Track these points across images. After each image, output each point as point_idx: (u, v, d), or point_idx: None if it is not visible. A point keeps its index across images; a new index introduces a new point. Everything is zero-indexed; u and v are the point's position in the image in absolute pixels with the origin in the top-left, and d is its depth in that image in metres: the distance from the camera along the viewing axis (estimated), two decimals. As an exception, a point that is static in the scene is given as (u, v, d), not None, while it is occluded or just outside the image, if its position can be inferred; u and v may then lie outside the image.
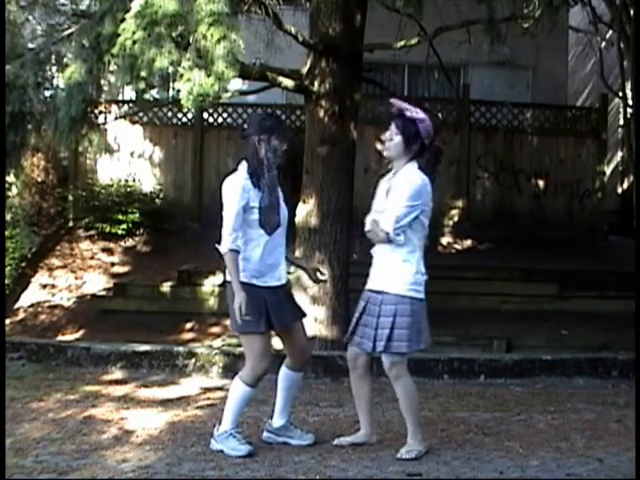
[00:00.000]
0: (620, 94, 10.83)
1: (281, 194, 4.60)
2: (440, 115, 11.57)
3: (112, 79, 6.46)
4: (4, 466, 4.00)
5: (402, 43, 8.52)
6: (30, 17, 7.00)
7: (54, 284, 10.19)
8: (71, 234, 11.11)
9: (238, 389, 4.49)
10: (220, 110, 11.65)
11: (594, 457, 4.47)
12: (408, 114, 4.53)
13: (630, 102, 9.54)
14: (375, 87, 10.28)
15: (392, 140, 4.54)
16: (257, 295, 4.41)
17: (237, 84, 9.65)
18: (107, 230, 10.83)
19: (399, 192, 4.45)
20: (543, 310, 9.43)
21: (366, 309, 4.54)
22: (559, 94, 13.29)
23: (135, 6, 5.37)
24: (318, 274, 4.95)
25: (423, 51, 9.51)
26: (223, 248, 4.43)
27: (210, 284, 9.36)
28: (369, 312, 4.52)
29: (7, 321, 9.05)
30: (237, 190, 4.43)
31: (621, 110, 12.55)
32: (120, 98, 11.43)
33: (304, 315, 4.73)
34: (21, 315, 9.64)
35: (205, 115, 11.67)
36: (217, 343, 8.40)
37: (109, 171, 11.48)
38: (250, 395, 4.54)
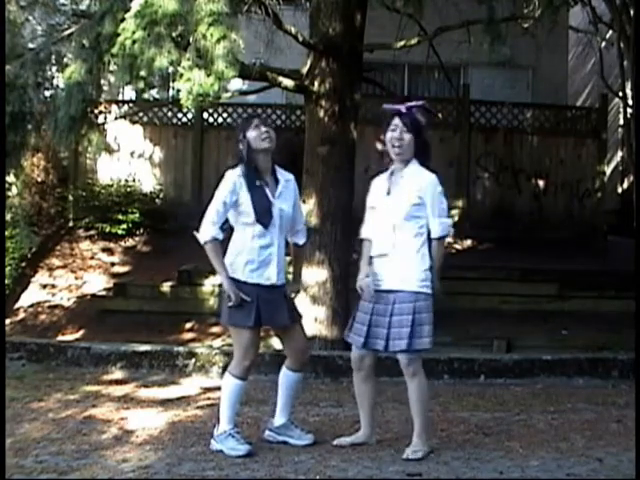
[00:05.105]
0: (620, 94, 10.83)
1: (269, 192, 4.57)
2: (440, 115, 11.57)
3: (112, 79, 6.46)
4: (4, 466, 4.00)
5: (402, 43, 8.52)
6: (30, 17, 6.99)
7: (54, 284, 10.18)
8: (71, 234, 11.10)
9: (229, 384, 4.53)
10: (220, 110, 11.64)
11: (594, 457, 4.47)
12: (405, 110, 4.45)
13: (630, 102, 9.54)
14: (375, 87, 10.28)
15: (402, 140, 4.40)
16: (247, 290, 4.43)
17: (237, 84, 9.66)
18: (107, 230, 10.82)
19: (432, 197, 4.39)
20: (543, 310, 9.41)
21: (374, 310, 4.47)
22: (559, 94, 13.28)
23: (135, 6, 5.37)
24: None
25: (423, 51, 9.52)
26: (202, 238, 4.49)
27: (210, 284, 9.35)
28: (378, 312, 4.45)
29: (7, 321, 9.04)
30: (229, 183, 4.54)
31: (621, 110, 12.56)
32: (120, 98, 11.42)
33: (300, 317, 4.73)
34: (21, 315, 9.62)
35: (205, 115, 11.66)
36: (217, 343, 8.39)
37: (109, 171, 11.47)
38: (241, 389, 4.55)
